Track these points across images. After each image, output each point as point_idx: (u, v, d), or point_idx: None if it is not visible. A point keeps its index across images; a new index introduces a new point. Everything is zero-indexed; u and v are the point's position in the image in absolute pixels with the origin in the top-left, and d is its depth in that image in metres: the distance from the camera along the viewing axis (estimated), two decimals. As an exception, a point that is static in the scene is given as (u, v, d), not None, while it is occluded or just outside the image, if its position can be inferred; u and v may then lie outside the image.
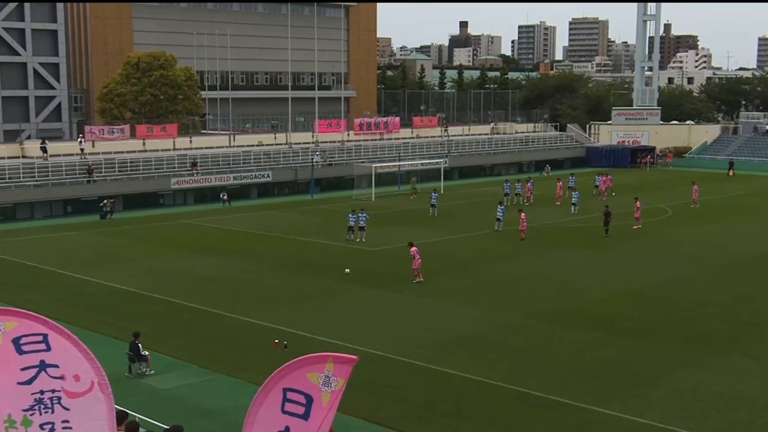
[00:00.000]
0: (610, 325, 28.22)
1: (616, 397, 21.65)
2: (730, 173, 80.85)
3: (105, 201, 54.47)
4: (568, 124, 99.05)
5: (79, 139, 63.49)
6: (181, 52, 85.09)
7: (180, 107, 79.37)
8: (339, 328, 27.84)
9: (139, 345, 23.73)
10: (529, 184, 61.28)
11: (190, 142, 70.09)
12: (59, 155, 61.14)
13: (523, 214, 45.30)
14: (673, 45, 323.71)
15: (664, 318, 29.22)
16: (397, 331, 27.65)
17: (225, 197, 60.03)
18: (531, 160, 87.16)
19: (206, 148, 69.08)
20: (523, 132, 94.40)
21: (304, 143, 74.64)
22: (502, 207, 48.15)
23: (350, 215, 44.37)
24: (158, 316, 29.65)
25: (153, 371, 23.66)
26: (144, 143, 66.78)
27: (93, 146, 63.81)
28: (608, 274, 36.62)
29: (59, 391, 8.65)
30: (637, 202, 49.38)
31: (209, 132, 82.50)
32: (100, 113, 79.50)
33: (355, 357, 8.84)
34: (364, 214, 44.36)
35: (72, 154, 61.57)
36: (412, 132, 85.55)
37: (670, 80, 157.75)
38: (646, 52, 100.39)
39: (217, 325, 28.43)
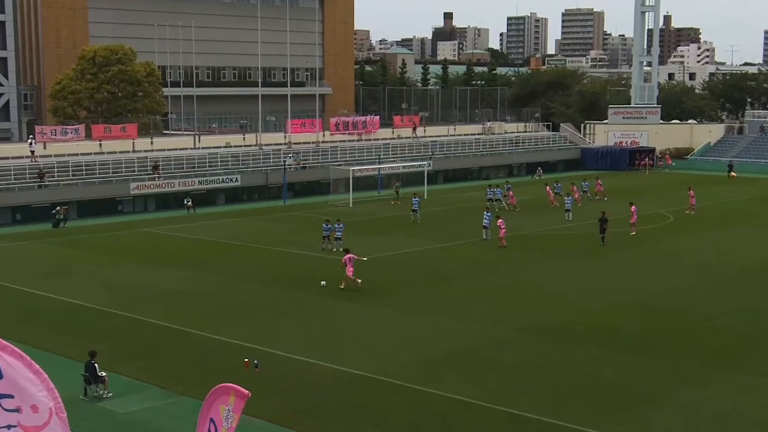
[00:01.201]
0: (609, 340, 28.30)
1: (616, 418, 21.68)
2: (731, 175, 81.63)
3: (58, 208, 54.08)
4: (561, 124, 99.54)
5: (29, 141, 63.03)
6: (141, 45, 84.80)
7: (140, 105, 79.07)
8: (316, 345, 27.72)
9: (96, 365, 23.51)
10: (510, 191, 61.42)
11: (151, 143, 69.80)
12: (7, 158, 60.67)
13: (500, 220, 45.71)
14: (673, 38, 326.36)
15: (667, 331, 29.34)
16: (380, 348, 27.57)
17: (189, 203, 59.76)
18: (521, 163, 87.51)
19: (169, 150, 68.81)
20: (513, 132, 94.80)
21: (275, 144, 74.51)
22: (489, 214, 48.25)
23: (325, 224, 44.20)
24: (117, 333, 29.41)
25: (111, 394, 23.45)
26: (100, 145, 66.42)
27: (45, 148, 63.38)
28: (606, 284, 36.76)
29: (15, 426, 8.21)
30: (633, 207, 49.63)
31: (172, 132, 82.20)
32: (53, 112, 79.00)
33: (247, 392, 8.82)
34: (341, 225, 44.23)
35: (22, 157, 61.11)
36: (392, 132, 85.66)
37: (671, 76, 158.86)
38: (645, 46, 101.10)
39: (182, 343, 28.24)
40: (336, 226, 44.03)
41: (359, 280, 34.96)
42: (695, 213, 57.36)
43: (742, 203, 64.09)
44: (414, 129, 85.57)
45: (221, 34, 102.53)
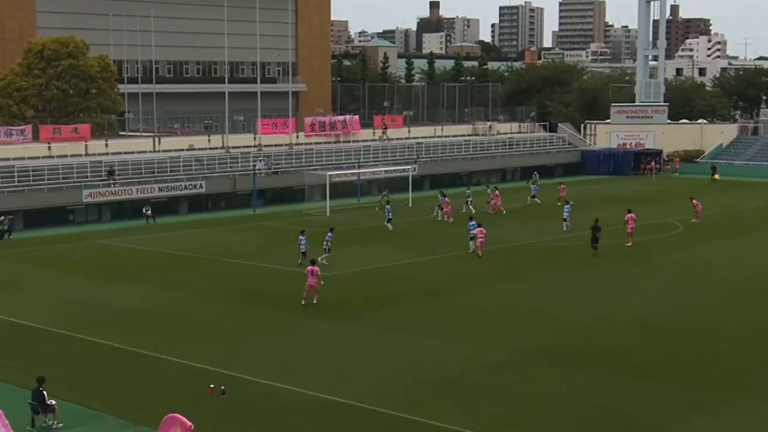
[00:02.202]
0: (609, 362, 28.39)
1: (621, 448, 21.72)
2: (714, 178, 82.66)
3: (2, 218, 53.78)
4: (559, 124, 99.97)
5: (-31, 143, 62.74)
6: (95, 37, 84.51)
7: (93, 104, 78.76)
8: (288, 369, 27.66)
9: (44, 393, 23.40)
10: (495, 191, 63.21)
11: (106, 146, 69.55)
12: (-55, 162, 60.33)
13: (479, 228, 46.32)
14: (681, 30, 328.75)
15: (674, 353, 29.47)
16: (360, 372, 27.55)
17: (148, 212, 59.59)
18: (516, 167, 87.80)
19: (126, 153, 68.60)
20: (506, 133, 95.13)
21: (244, 147, 74.43)
22: (473, 223, 48.25)
23: (301, 236, 44.08)
24: (68, 357, 29.25)
25: (61, 424, 23.34)
26: (50, 147, 66.13)
27: (-13, 151, 63.11)
28: (607, 300, 36.88)
29: None
30: (630, 215, 49.92)
31: (129, 134, 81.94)
32: (-4, 111, 78.55)
33: (191, 424, 8.85)
34: (329, 234, 43.95)
35: (-39, 161, 60.83)
36: (373, 133, 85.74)
37: (679, 71, 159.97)
38: (650, 39, 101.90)
39: (140, 367, 28.12)
40: (328, 235, 43.79)
41: (315, 299, 35.23)
42: (701, 221, 57.73)
43: (757, 210, 64.48)
44: (384, 130, 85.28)
45: (183, 25, 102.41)
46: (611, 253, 46.97)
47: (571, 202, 57.95)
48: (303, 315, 34.24)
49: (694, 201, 59.43)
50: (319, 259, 42.46)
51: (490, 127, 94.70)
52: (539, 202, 65.64)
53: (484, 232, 46.60)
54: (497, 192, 63.43)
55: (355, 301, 36.16)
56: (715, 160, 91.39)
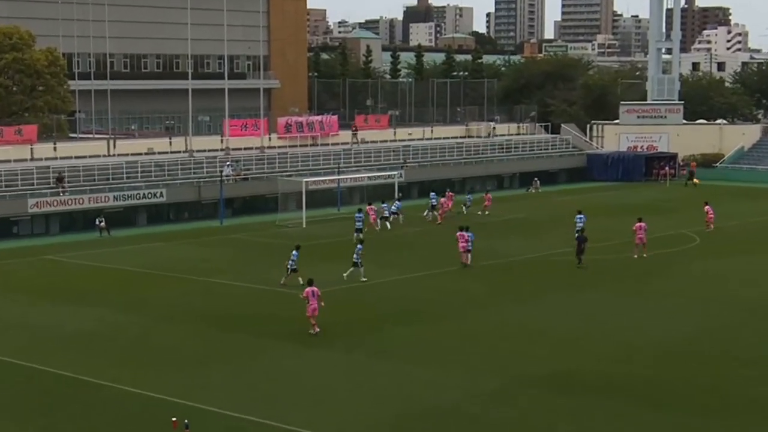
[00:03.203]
0: (624, 392, 28.41)
1: (635, 487, 21.73)
2: (694, 182, 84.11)
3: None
4: (562, 125, 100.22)
5: None
6: (42, 27, 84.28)
7: (41, 102, 78.47)
8: (261, 400, 27.58)
9: (-13, 428, 23.23)
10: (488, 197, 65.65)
11: (55, 149, 69.30)
12: None
13: (460, 232, 47.53)
14: (698, 20, 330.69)
15: (696, 381, 29.51)
16: (344, 404, 27.50)
17: (102, 224, 59.37)
18: (514, 173, 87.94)
19: (76, 157, 68.37)
20: (504, 135, 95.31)
21: (209, 151, 74.30)
22: (470, 234, 48.50)
23: (295, 252, 43.04)
24: (12, 387, 29.07)
25: (6, 464, 23.17)
26: (-9, 151, 65.95)
27: None
28: (620, 322, 36.95)
29: None
30: (639, 224, 50.19)
31: (80, 136, 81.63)
32: (-70, 111, 78.21)
33: None
34: (295, 253, 43.61)
35: None
36: (353, 135, 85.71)
37: (695, 66, 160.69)
38: (663, 30, 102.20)
39: (95, 398, 27.98)
40: (294, 253, 43.22)
41: (317, 328, 34.48)
42: (714, 230, 58.35)
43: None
44: (354, 132, 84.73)
45: (141, 14, 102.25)
46: (621, 269, 47.11)
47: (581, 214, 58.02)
48: (278, 339, 34.14)
49: (707, 207, 59.95)
50: (343, 276, 42.88)
51: (494, 128, 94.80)
52: (464, 211, 65.44)
53: (466, 237, 47.39)
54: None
55: (335, 324, 36.04)
56: (736, 165, 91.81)
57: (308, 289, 34.84)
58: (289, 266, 42.50)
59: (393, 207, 61.95)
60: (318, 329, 34.30)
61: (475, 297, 41.37)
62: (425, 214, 63.91)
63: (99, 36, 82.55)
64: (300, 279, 40.73)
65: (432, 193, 66.39)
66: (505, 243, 54.55)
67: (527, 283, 44.32)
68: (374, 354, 32.42)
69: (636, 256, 49.37)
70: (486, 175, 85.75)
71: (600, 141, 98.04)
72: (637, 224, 50.12)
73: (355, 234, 54.28)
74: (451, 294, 41.87)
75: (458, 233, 47.94)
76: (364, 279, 43.38)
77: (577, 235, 48.76)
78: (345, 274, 43.70)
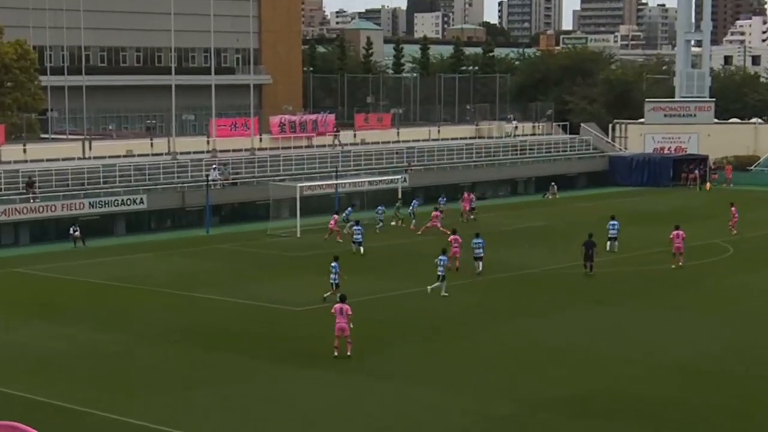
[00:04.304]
0: (648, 416, 28.43)
1: None
2: (706, 187, 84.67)
3: None
4: (582, 124, 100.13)
5: None
6: (10, 17, 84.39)
7: (9, 100, 78.54)
8: (251, 425, 27.61)
9: (-50, 457, 23.27)
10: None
11: (24, 151, 69.34)
12: None
13: (453, 236, 48.67)
14: (730, 9, 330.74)
15: (726, 405, 29.53)
16: (340, 428, 27.50)
17: (77, 233, 59.39)
18: (529, 177, 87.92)
19: (48, 160, 68.37)
20: (518, 135, 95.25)
21: (194, 153, 74.33)
22: (480, 240, 48.81)
23: (334, 263, 42.86)
24: (-22, 412, 29.10)
25: (-29, 496, 23.19)
26: (-46, 154, 66.05)
27: None
28: (645, 340, 36.94)
29: None
30: (676, 232, 50.38)
31: (53, 137, 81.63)
32: None
33: None
34: (334, 264, 42.96)
35: None
36: (354, 136, 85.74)
37: (727, 60, 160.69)
38: (693, 20, 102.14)
39: (69, 424, 28.00)
40: (333, 265, 42.81)
41: (350, 352, 34.07)
42: (744, 238, 58.92)
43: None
44: (335, 135, 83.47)
45: (120, 3, 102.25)
46: (646, 282, 47.20)
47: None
48: (270, 359, 34.16)
49: (733, 208, 60.83)
50: (429, 288, 43.09)
51: (515, 127, 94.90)
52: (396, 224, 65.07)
53: (460, 240, 48.75)
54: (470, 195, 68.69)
55: (333, 343, 36.11)
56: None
57: (337, 305, 34.44)
58: (333, 280, 42.33)
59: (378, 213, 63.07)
60: (337, 352, 33.91)
61: (487, 312, 41.41)
62: (392, 222, 64.20)
63: (73, 27, 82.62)
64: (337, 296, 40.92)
65: (415, 201, 67.25)
66: (521, 253, 54.58)
67: (545, 297, 44.32)
68: (373, 375, 32.42)
69: (674, 267, 49.59)
70: (498, 180, 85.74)
71: (623, 142, 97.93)
72: (675, 232, 50.33)
73: (353, 245, 54.54)
74: (462, 309, 41.87)
75: (451, 237, 49.10)
76: (445, 294, 43.37)
77: (584, 241, 48.97)
78: (429, 288, 43.71)
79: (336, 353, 33.85)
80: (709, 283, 47.54)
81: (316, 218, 65.42)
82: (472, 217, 66.94)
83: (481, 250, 48.28)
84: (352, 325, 33.98)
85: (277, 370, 33.00)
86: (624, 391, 30.68)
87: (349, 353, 33.82)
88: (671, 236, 50.40)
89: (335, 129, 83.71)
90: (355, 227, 55.88)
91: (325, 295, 42.08)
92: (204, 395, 30.48)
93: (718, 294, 45.28)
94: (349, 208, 65.08)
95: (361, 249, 54.36)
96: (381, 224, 62.64)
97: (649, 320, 40.21)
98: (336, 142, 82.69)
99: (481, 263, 48.12)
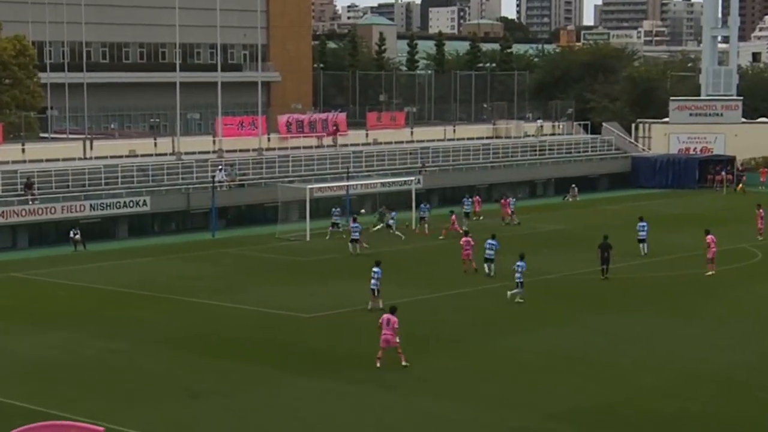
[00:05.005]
0: (675, 428, 28.25)
1: None
2: (739, 188, 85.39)
3: None
4: (603, 123, 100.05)
5: None
6: (9, 12, 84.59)
7: (7, 98, 78.70)
8: (257, 438, 27.50)
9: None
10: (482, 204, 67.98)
11: (23, 151, 69.43)
12: None
13: (465, 239, 50.35)
14: (759, 4, 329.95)
15: (759, 419, 29.34)
16: (348, 442, 27.42)
17: (77, 237, 59.42)
18: (548, 178, 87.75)
19: (48, 160, 68.44)
20: (531, 136, 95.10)
21: (200, 153, 74.33)
22: (494, 242, 49.09)
23: (376, 268, 42.08)
24: (-29, 423, 29.02)
25: None
26: (-50, 153, 66.17)
27: None
28: (673, 350, 36.75)
29: None
30: (709, 237, 50.33)
31: (53, 136, 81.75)
32: None
33: None
34: (376, 270, 42.31)
35: None
36: (366, 135, 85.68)
37: (756, 56, 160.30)
38: (719, 15, 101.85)
39: (66, 436, 27.90)
40: (376, 270, 42.05)
41: (404, 362, 33.79)
42: (762, 239, 59.01)
43: None
44: (334, 135, 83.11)
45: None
46: (672, 288, 47.01)
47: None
48: (280, 369, 34.02)
49: (760, 210, 61.14)
50: (509, 294, 43.23)
51: (540, 126, 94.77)
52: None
53: (472, 243, 49.63)
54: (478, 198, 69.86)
55: (345, 351, 35.95)
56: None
57: (385, 316, 34.14)
58: (374, 286, 41.98)
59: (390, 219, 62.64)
60: (380, 363, 33.64)
61: (503, 320, 41.25)
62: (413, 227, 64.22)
63: (74, 22, 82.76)
64: (381, 302, 41.13)
65: (424, 205, 66.69)
66: (540, 258, 54.35)
67: (564, 304, 44.12)
68: (387, 385, 32.26)
69: (709, 273, 49.62)
70: (516, 181, 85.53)
71: (647, 142, 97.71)
72: (709, 237, 50.36)
73: (350, 244, 55.65)
74: (477, 317, 41.73)
75: (463, 239, 50.20)
76: (521, 300, 43.41)
77: (600, 243, 49.11)
78: (509, 293, 43.79)
79: (378, 364, 33.61)
80: (737, 290, 47.32)
81: (326, 221, 65.35)
82: (516, 222, 66.91)
83: (492, 252, 48.58)
84: (398, 339, 33.69)
85: (283, 379, 32.89)
86: (648, 404, 30.45)
87: (404, 363, 33.55)
88: (708, 240, 50.17)
89: (334, 129, 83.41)
90: (352, 225, 56.25)
91: (369, 307, 41.72)
92: (207, 405, 30.37)
93: (748, 301, 45.03)
94: (337, 209, 64.71)
95: (357, 248, 55.07)
96: (381, 226, 63.01)
97: (676, 328, 40.00)
98: (333, 142, 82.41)
99: (492, 265, 48.45)
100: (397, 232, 60.73)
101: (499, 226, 61.53)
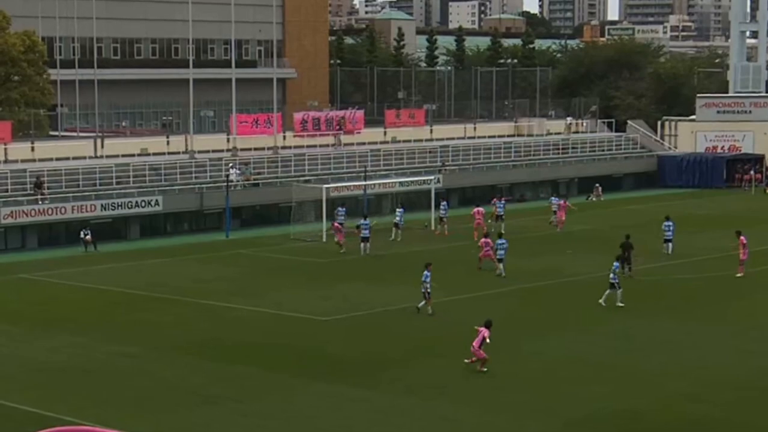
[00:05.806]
0: (701, 437, 28.17)
1: None
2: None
3: None
4: (628, 121, 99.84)
5: None
6: (18, 7, 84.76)
7: (16, 95, 78.89)
8: (271, 446, 27.49)
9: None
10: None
11: (32, 150, 69.54)
12: None
13: (484, 239, 51.03)
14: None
15: (786, 425, 29.22)
16: (365, 450, 27.40)
17: (88, 237, 59.52)
18: (572, 177, 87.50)
19: (58, 159, 68.53)
20: (560, 133, 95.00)
21: (213, 152, 74.36)
22: (504, 241, 49.72)
23: (426, 272, 42.29)
24: (-22, 428, 29.11)
25: None
26: (-42, 152, 66.36)
27: None
28: (697, 355, 36.68)
29: None
30: (742, 238, 50.19)
31: (63, 134, 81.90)
32: None
33: None
34: (426, 273, 42.26)
35: None
36: (384, 133, 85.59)
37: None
38: (748, 9, 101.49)
39: (76, 442, 27.94)
40: (427, 274, 42.05)
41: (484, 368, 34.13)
42: None
43: None
44: (338, 133, 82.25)
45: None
46: (699, 291, 47.05)
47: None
48: (295, 375, 34.04)
49: None
50: (600, 302, 43.31)
51: (569, 123, 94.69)
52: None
53: (491, 244, 50.03)
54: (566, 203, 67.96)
55: (362, 355, 35.92)
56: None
57: (482, 328, 34.55)
58: (425, 290, 42.11)
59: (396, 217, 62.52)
60: (483, 367, 34.13)
61: (525, 324, 41.18)
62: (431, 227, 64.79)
63: (84, 17, 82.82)
64: (429, 308, 41.61)
65: (444, 203, 66.45)
66: (563, 260, 54.30)
67: (588, 307, 43.97)
68: (403, 391, 32.26)
69: (739, 275, 49.67)
70: (538, 181, 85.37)
71: (673, 140, 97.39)
72: (742, 238, 50.37)
73: (361, 244, 56.06)
74: (498, 320, 41.50)
75: (482, 240, 51.12)
76: (621, 304, 43.36)
77: (621, 242, 49.40)
78: (601, 300, 43.67)
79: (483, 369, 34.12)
80: (766, 293, 47.13)
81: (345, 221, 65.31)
82: (558, 230, 65.48)
83: (503, 252, 49.08)
84: (484, 353, 33.97)
85: (298, 385, 32.89)
86: (669, 410, 30.43)
87: (482, 369, 33.95)
88: (741, 241, 50.07)
89: (338, 129, 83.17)
90: (362, 222, 56.52)
91: (419, 306, 42.07)
92: (221, 411, 30.40)
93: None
94: (342, 209, 64.55)
95: (368, 247, 55.76)
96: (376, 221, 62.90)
97: (701, 332, 39.95)
98: (337, 141, 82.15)
99: (502, 265, 49.08)
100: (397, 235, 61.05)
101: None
